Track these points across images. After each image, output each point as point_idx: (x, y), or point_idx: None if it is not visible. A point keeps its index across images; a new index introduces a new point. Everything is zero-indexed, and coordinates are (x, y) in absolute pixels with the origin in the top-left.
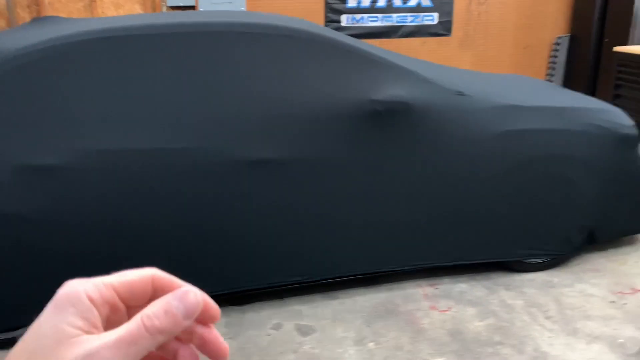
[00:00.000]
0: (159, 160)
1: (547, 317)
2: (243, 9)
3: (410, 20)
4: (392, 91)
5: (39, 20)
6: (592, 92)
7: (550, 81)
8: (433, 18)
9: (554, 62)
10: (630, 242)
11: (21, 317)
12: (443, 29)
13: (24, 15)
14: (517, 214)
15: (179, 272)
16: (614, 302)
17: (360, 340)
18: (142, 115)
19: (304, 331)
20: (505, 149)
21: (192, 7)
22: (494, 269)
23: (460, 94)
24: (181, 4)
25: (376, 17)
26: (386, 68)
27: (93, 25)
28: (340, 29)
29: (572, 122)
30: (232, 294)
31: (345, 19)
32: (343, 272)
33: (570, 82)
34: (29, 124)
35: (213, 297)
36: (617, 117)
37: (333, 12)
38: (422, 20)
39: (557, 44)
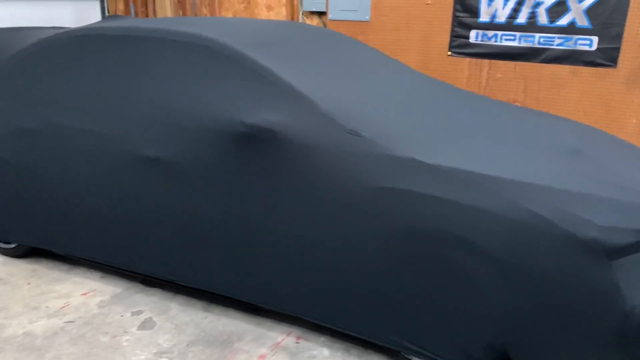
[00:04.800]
0: (79, 138)
1: None
2: (367, 17)
3: (557, 42)
4: (263, 116)
5: (109, 17)
6: None
7: None
8: (591, 43)
9: None
10: None
11: None
12: (605, 58)
13: (205, 12)
14: (391, 294)
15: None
16: None
17: (163, 352)
18: (80, 100)
19: (147, 325)
20: (379, 210)
21: (324, 13)
22: (388, 353)
23: (353, 133)
24: (314, 10)
25: (513, 35)
26: (280, 92)
27: (111, 24)
28: (468, 46)
29: (494, 200)
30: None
31: (474, 36)
32: (210, 286)
33: None
34: (23, 97)
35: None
36: (589, 212)
37: (461, 27)
38: (575, 44)
39: None
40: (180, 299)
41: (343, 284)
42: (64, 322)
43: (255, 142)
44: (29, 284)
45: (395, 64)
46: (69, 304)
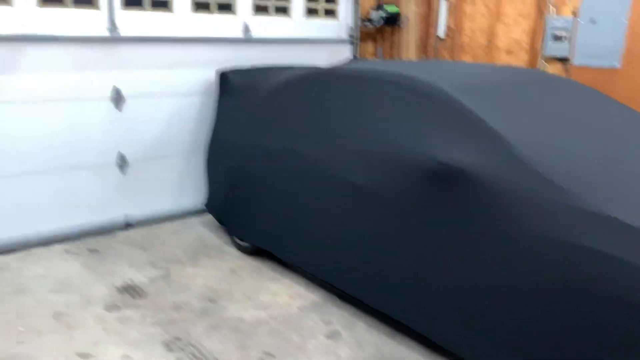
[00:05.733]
0: (303, 162)
1: None
2: (616, 64)
3: None
4: (456, 155)
5: (349, 60)
6: None
7: None
8: None
9: None
10: None
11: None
12: None
13: (446, 55)
14: (566, 354)
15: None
16: None
17: None
18: (307, 128)
19: (333, 336)
20: (560, 265)
21: (567, 60)
22: None
23: (550, 184)
24: (556, 55)
25: None
26: (478, 133)
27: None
28: None
29: None
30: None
31: None
32: (389, 311)
33: None
34: (270, 122)
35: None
36: None
37: None
38: None
39: None
40: (368, 319)
41: (515, 335)
42: (268, 316)
43: (445, 179)
44: (251, 277)
45: (633, 116)
46: (276, 302)
